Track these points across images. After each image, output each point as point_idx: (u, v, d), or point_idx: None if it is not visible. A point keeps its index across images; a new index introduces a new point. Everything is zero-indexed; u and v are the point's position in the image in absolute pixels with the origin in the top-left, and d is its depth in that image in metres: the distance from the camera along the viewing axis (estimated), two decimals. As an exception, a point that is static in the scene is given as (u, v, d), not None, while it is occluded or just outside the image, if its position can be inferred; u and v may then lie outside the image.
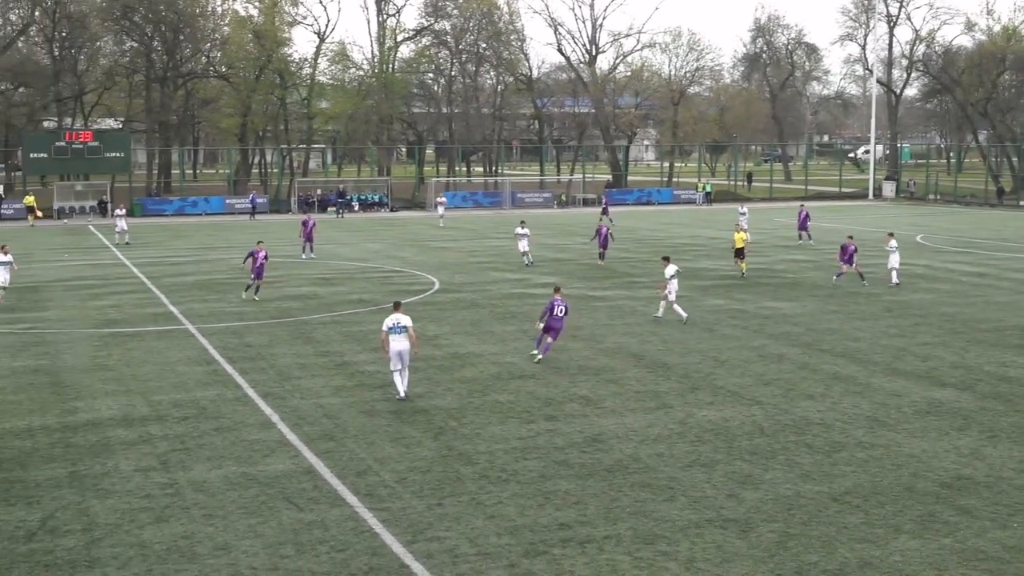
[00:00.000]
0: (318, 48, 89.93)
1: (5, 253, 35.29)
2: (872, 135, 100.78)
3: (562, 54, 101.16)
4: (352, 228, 66.13)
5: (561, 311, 25.10)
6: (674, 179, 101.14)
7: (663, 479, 16.52)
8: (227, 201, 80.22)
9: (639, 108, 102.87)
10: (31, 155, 75.22)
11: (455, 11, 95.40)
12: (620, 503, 15.48)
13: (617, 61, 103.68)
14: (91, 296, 36.14)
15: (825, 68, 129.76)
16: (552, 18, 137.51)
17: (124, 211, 59.13)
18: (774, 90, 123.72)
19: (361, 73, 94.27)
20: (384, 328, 21.27)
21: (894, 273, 38.15)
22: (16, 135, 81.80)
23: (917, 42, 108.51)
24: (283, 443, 18.50)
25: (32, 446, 18.46)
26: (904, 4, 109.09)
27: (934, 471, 16.89)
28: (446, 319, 31.23)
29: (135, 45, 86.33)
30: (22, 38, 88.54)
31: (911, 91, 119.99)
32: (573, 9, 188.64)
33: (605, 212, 66.17)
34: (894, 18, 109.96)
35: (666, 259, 31.39)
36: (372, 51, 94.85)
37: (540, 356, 25.01)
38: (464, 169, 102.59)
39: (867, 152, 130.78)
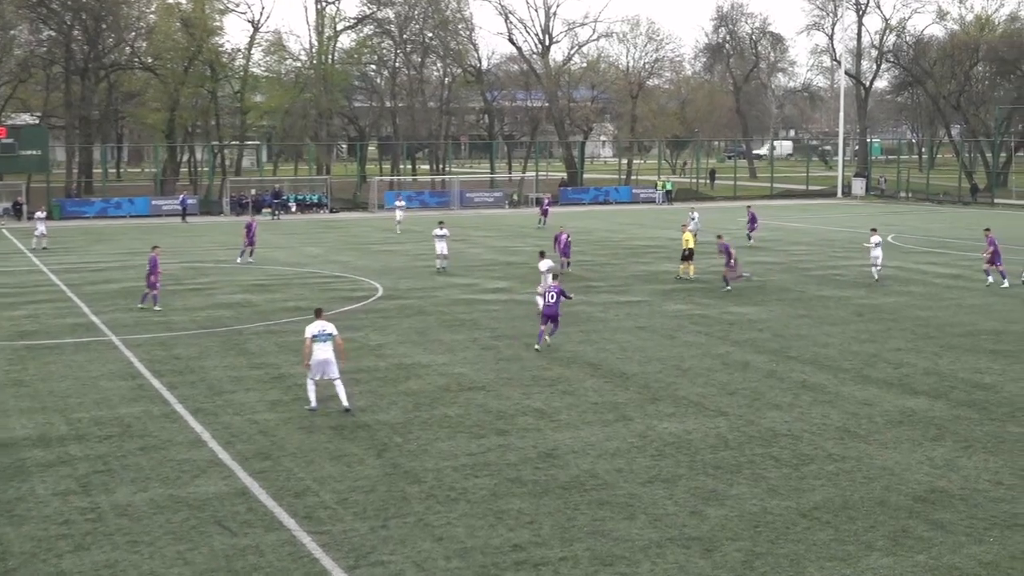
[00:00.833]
0: (252, 37, 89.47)
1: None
2: (840, 130, 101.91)
3: (513, 44, 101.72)
4: (289, 231, 65.76)
5: (552, 298, 27.29)
6: (633, 177, 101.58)
7: (622, 496, 16.55)
8: (153, 202, 79.54)
9: (595, 101, 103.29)
10: (-61, 154, 74.09)
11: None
12: (577, 522, 15.49)
13: (572, 52, 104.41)
14: (5, 306, 35.65)
15: (791, 59, 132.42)
16: (502, 6, 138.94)
17: (44, 214, 58.55)
18: (738, 82, 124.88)
19: (298, 65, 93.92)
20: (307, 335, 21.37)
21: (875, 269, 40.11)
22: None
23: (887, 32, 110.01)
24: (214, 463, 18.34)
25: (-60, 469, 18.15)
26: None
27: (907, 484, 17.05)
28: (390, 327, 31.12)
29: (53, 34, 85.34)
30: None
31: (881, 83, 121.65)
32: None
33: (545, 213, 65.90)
34: (863, 6, 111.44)
35: (541, 254, 35.01)
36: (310, 41, 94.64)
37: (537, 346, 27.40)
38: (409, 167, 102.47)
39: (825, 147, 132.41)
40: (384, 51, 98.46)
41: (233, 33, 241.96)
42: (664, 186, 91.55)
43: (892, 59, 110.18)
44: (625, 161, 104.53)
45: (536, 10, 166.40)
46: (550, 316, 27.55)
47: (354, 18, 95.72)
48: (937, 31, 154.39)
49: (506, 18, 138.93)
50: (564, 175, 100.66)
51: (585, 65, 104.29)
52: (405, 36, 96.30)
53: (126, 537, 15.02)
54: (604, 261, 47.29)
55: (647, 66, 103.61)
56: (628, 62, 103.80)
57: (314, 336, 21.26)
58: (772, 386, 23.60)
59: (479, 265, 46.11)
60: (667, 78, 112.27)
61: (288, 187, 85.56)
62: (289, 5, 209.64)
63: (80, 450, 19.11)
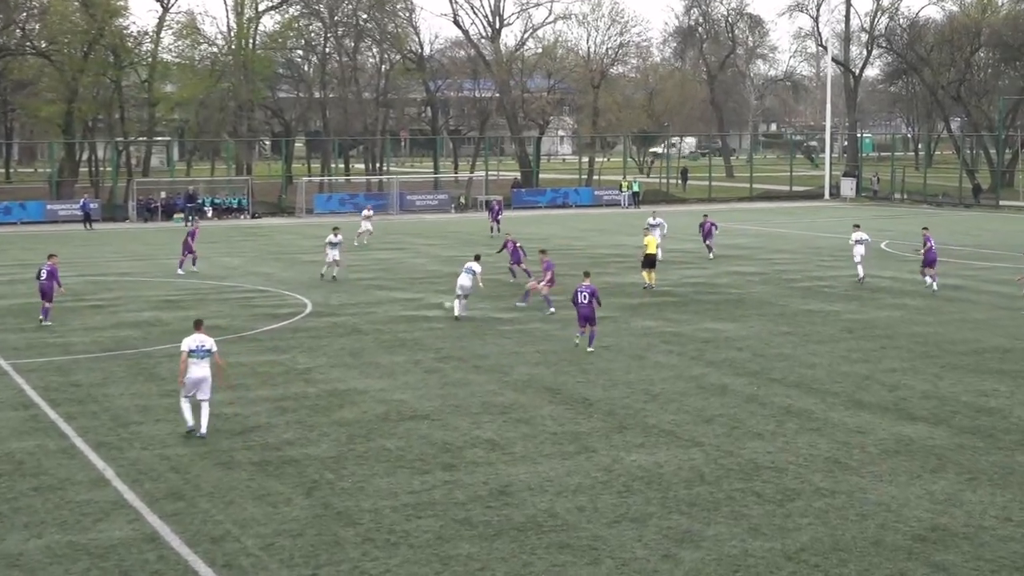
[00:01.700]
0: (161, 19, 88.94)
1: None
2: (827, 123, 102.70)
3: (459, 27, 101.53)
4: (205, 239, 65.21)
5: (584, 298, 29.71)
6: (595, 177, 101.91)
7: (585, 538, 16.57)
8: (49, 207, 78.77)
9: (552, 92, 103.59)
10: None
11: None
12: (534, 568, 15.48)
13: (525, 36, 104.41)
14: None
15: (772, 44, 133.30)
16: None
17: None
18: (712, 70, 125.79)
19: (215, 50, 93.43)
20: (184, 349, 21.77)
21: (860, 267, 42.36)
22: None
23: (879, 13, 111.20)
24: (120, 504, 18.19)
25: None
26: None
27: (905, 521, 17.20)
28: (321, 348, 31.02)
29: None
30: None
31: (872, 71, 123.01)
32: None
33: (496, 219, 65.01)
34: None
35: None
36: (228, 23, 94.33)
37: (579, 341, 30.17)
38: (342, 166, 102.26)
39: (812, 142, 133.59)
40: (312, 34, 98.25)
41: (140, 14, 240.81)
42: (630, 187, 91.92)
43: (884, 44, 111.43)
44: (586, 159, 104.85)
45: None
46: (586, 318, 29.93)
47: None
48: (934, 13, 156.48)
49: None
50: (517, 175, 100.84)
51: (540, 51, 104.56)
52: (336, 18, 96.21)
53: (18, 591, 14.86)
54: (563, 272, 47.27)
55: (610, 52, 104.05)
56: (589, 47, 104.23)
57: (191, 351, 21.75)
58: (753, 412, 23.73)
59: (422, 277, 46.08)
60: (633, 65, 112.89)
61: (203, 189, 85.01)
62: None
63: (-36, 491, 18.88)
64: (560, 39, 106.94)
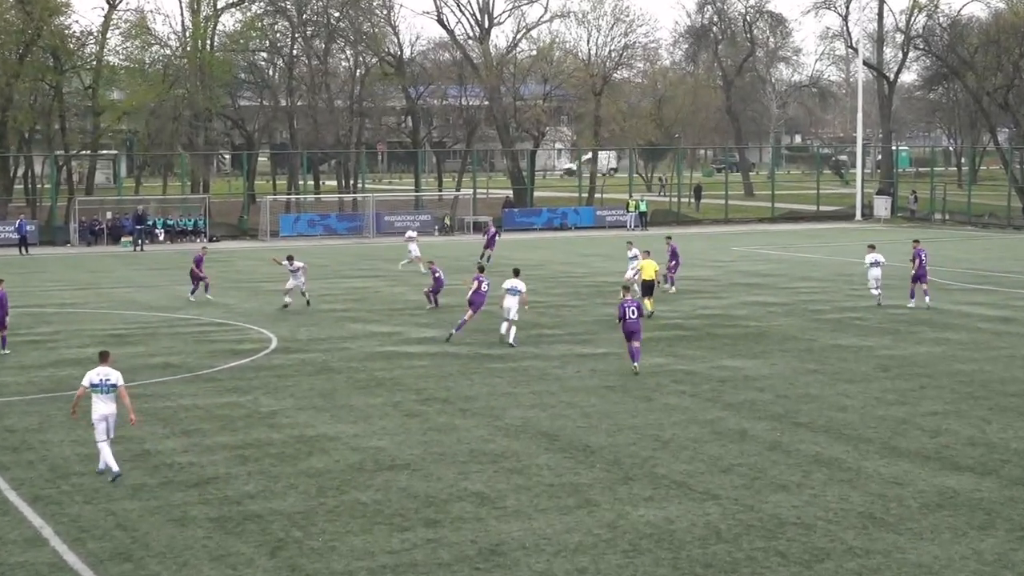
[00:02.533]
0: (107, 17, 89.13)
1: None
2: (859, 135, 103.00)
3: (443, 26, 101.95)
4: (156, 264, 65.36)
5: (633, 313, 32.04)
6: (597, 195, 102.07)
7: (587, 604, 16.51)
8: (-22, 229, 78.75)
9: (549, 99, 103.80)
10: None
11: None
12: (529, 639, 15.42)
13: (518, 36, 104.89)
14: None
15: (796, 46, 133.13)
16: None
17: None
18: (728, 75, 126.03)
19: (168, 52, 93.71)
20: (84, 384, 22.35)
21: (875, 292, 44.86)
22: None
23: (915, 11, 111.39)
24: (58, 567, 18.10)
25: None
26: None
27: (949, 585, 17.16)
28: (287, 389, 30.96)
29: None
30: None
31: (909, 76, 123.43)
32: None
33: (491, 244, 63.68)
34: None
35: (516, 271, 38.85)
36: (182, 22, 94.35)
37: (637, 365, 32.19)
38: (311, 183, 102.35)
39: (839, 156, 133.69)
40: (278, 35, 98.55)
41: (83, 11, 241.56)
42: (637, 206, 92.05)
43: (922, 46, 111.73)
44: (587, 175, 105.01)
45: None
46: (634, 334, 32.17)
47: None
48: (978, 11, 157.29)
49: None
50: (509, 193, 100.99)
51: (535, 53, 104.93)
52: (305, 16, 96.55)
53: (-58, 666, 14.79)
54: (561, 303, 47.41)
55: (614, 54, 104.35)
56: (590, 49, 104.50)
57: (93, 386, 22.29)
58: (776, 461, 23.70)
59: (402, 309, 46.06)
60: (639, 70, 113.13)
61: (154, 209, 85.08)
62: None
63: None
64: (557, 40, 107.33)
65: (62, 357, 36.04)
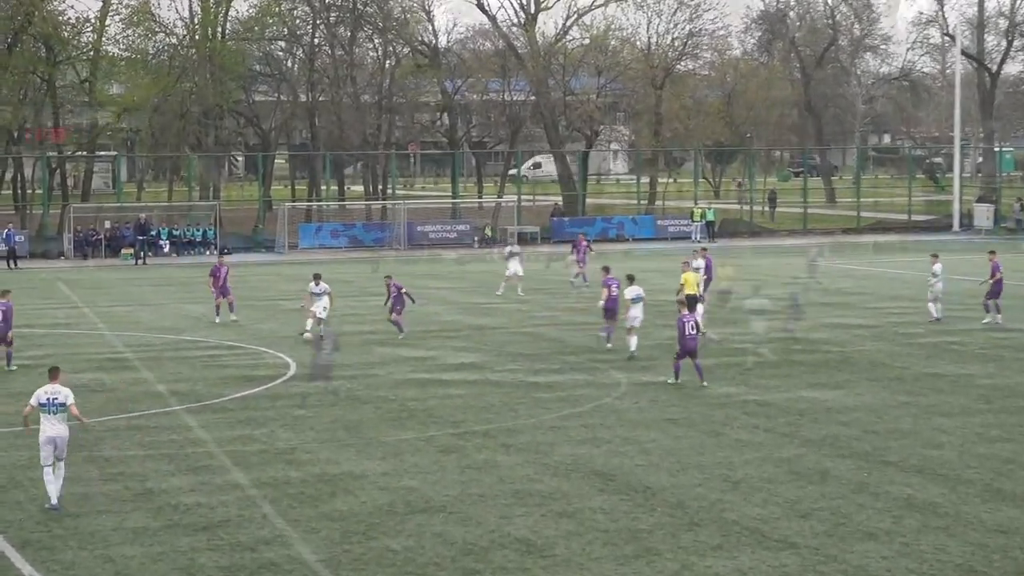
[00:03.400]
0: (106, 2, 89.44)
1: None
2: (956, 134, 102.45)
3: (484, 12, 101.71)
4: (160, 280, 65.55)
5: (692, 329, 33.99)
6: (658, 203, 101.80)
7: (646, 666, 16.48)
8: (-38, 239, 79.26)
9: (603, 94, 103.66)
10: None
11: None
12: None
13: (568, 23, 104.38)
14: None
15: (884, 33, 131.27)
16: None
17: None
18: (807, 67, 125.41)
19: (173, 41, 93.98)
20: (32, 403, 22.96)
21: (932, 306, 46.01)
22: None
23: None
24: (50, 620, 18.19)
25: None
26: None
27: (1060, 647, 17.05)
28: (308, 421, 30.99)
29: None
30: None
31: (1014, 67, 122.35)
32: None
33: (581, 261, 60.43)
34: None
35: (630, 278, 40.78)
36: (190, 7, 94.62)
37: (705, 383, 34.11)
38: (334, 189, 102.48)
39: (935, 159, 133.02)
40: (298, 21, 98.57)
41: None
42: (703, 215, 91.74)
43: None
44: (647, 179, 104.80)
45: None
46: (689, 350, 34.13)
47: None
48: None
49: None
50: (559, 200, 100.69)
51: (588, 42, 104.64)
52: (328, 1, 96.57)
53: None
54: (617, 324, 47.29)
55: (677, 43, 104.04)
56: (650, 37, 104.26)
57: (41, 405, 22.93)
58: (862, 505, 23.57)
59: (436, 331, 46.00)
60: (706, 60, 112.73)
61: (159, 218, 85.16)
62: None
63: None
64: (613, 27, 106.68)
65: (55, 384, 36.15)
